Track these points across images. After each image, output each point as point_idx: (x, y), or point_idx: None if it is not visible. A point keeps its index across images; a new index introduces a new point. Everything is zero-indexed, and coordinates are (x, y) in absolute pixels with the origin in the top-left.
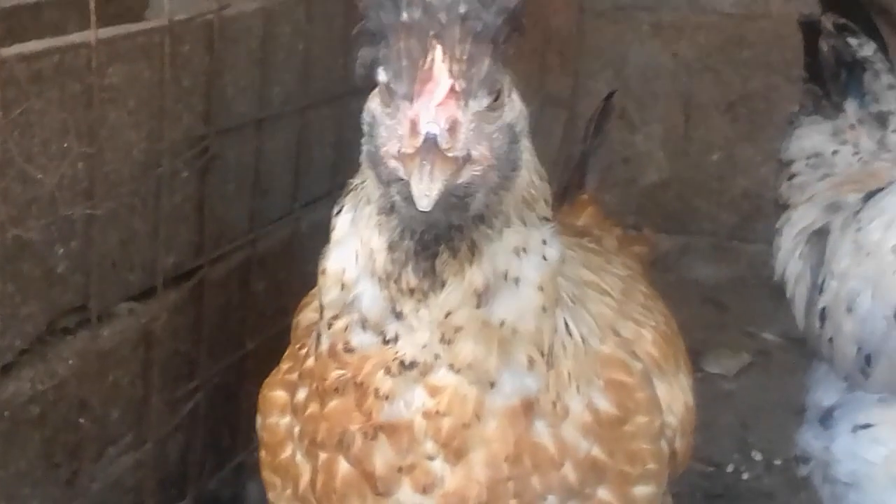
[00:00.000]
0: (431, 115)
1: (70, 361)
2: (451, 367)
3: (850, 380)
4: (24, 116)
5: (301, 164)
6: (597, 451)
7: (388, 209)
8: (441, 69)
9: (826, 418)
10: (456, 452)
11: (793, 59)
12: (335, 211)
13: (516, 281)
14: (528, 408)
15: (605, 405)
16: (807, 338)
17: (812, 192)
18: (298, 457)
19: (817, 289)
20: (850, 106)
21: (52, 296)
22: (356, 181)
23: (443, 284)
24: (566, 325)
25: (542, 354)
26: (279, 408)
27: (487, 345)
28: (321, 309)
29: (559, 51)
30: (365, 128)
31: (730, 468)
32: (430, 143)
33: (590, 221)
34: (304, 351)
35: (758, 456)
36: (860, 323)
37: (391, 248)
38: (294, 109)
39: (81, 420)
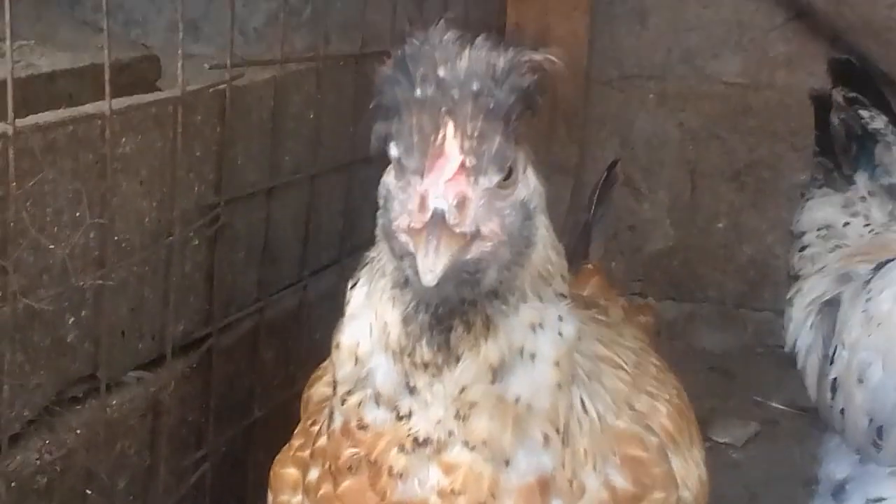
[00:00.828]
0: (440, 190)
1: (78, 431)
2: (466, 444)
3: (862, 452)
4: (38, 186)
5: (310, 232)
6: None
7: (403, 283)
8: (452, 145)
9: (839, 492)
10: None
11: (798, 128)
12: (350, 284)
13: (532, 357)
14: (545, 486)
15: (621, 482)
16: (819, 409)
17: (823, 263)
18: None
19: (828, 360)
20: (861, 178)
21: (61, 365)
22: (372, 254)
23: (457, 359)
24: (582, 402)
25: (558, 432)
26: (291, 486)
27: (502, 421)
28: (334, 384)
29: (565, 119)
30: (380, 201)
31: None
32: (438, 219)
33: (595, 291)
34: (315, 427)
35: None
36: (871, 394)
37: (405, 321)
38: (304, 177)
39: (88, 491)
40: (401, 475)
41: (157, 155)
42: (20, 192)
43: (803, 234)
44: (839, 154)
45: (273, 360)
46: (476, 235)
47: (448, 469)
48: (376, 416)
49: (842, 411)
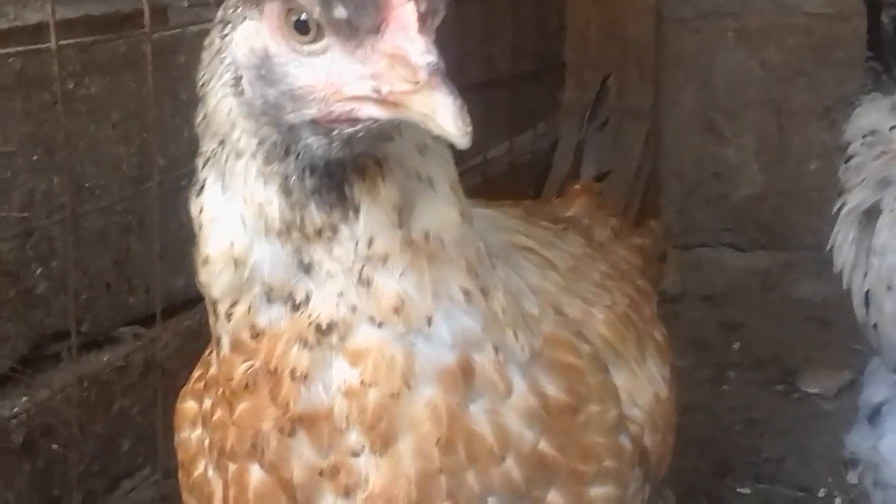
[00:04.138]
0: (422, 44)
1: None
2: (373, 320)
3: None
4: None
5: None
6: (545, 445)
7: (282, 154)
8: None
9: (874, 415)
10: (383, 438)
11: None
12: (194, 193)
13: (430, 182)
14: (468, 371)
15: (553, 390)
16: (861, 330)
17: (867, 172)
18: (210, 472)
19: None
20: None
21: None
22: (206, 149)
23: (356, 210)
24: (491, 260)
25: (476, 276)
26: (190, 420)
27: (418, 271)
28: (213, 306)
29: (637, 62)
30: (245, 72)
31: (821, 493)
32: (442, 74)
33: (581, 212)
34: (212, 355)
35: (854, 478)
36: None
37: (287, 192)
38: None
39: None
40: (304, 377)
41: (133, 97)
42: None
43: (849, 144)
44: (888, 55)
45: None
46: None
47: (355, 358)
48: (270, 315)
49: (875, 326)
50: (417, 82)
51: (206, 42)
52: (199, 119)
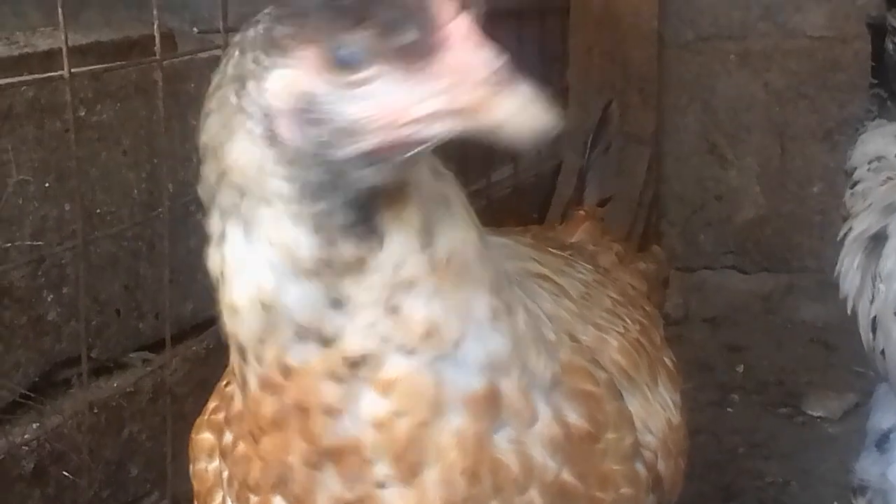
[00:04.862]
0: (483, 50)
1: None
2: (403, 348)
3: None
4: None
5: None
6: (566, 474)
7: (319, 193)
8: (450, 8)
9: (882, 442)
10: (411, 468)
11: None
12: (213, 242)
13: (447, 204)
14: (494, 397)
15: (574, 418)
16: (867, 357)
17: (873, 198)
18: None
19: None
20: None
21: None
22: (224, 203)
23: (382, 238)
24: (505, 272)
25: (499, 293)
26: (207, 452)
27: (443, 293)
28: (241, 353)
29: (639, 87)
30: (283, 120)
31: None
32: (510, 74)
33: (585, 238)
34: (229, 388)
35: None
36: None
37: (317, 230)
38: None
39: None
40: (334, 411)
41: (143, 124)
42: None
43: (855, 169)
44: (893, 81)
45: None
46: None
47: (385, 388)
48: (301, 353)
49: (882, 352)
50: (488, 88)
51: (216, 103)
52: (212, 178)
